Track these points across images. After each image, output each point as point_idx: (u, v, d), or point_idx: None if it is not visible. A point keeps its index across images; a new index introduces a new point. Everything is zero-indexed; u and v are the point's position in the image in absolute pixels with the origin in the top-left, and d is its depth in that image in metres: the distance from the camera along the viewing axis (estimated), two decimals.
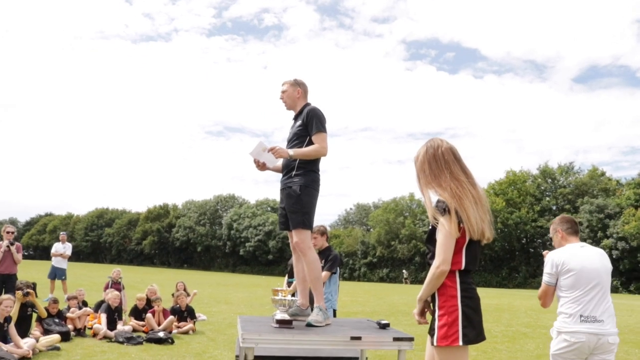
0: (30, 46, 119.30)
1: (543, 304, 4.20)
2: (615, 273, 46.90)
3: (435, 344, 2.81)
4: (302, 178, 4.19)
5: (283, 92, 4.46)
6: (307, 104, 4.42)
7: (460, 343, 2.74)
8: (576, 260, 3.99)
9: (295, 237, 4.19)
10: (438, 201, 2.91)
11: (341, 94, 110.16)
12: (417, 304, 3.03)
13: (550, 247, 4.43)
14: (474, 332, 2.79)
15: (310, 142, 4.20)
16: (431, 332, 2.87)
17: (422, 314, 3.04)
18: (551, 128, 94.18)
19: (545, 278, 4.13)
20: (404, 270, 60.64)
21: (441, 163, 2.96)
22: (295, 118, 4.44)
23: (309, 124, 4.22)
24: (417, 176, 3.08)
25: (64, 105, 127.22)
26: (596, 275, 3.95)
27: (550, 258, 4.10)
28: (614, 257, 45.63)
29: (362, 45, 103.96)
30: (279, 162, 4.42)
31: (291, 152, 4.14)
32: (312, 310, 4.18)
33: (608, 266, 4.07)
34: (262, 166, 4.29)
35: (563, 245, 4.19)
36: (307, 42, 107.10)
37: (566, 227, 4.24)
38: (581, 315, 3.89)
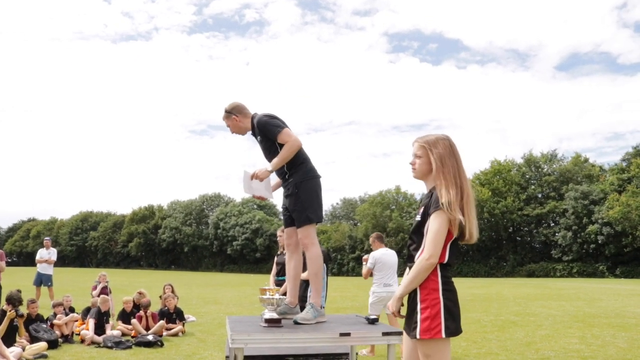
0: (6, 49, 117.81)
1: (365, 277, 8.14)
2: (601, 258, 47.54)
3: (418, 337, 2.85)
4: (295, 176, 4.25)
5: (228, 127, 4.48)
6: (253, 117, 4.40)
7: (443, 335, 2.81)
8: (383, 257, 7.90)
9: (300, 233, 4.24)
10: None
11: (325, 88, 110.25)
12: (394, 301, 3.02)
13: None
14: (455, 325, 2.87)
15: (281, 146, 4.20)
16: (412, 325, 2.90)
17: (399, 311, 3.04)
18: (535, 117, 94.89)
19: (369, 265, 7.93)
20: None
21: (458, 159, 3.01)
22: (254, 135, 4.45)
23: (267, 133, 4.24)
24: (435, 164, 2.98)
25: (43, 109, 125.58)
26: (391, 264, 7.90)
27: (372, 255, 7.97)
28: (599, 242, 46.25)
29: (344, 39, 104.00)
30: (275, 182, 4.49)
31: (269, 167, 4.17)
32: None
33: (396, 260, 8.01)
34: (262, 198, 4.37)
35: (377, 249, 8.03)
36: (289, 37, 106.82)
37: (379, 239, 8.14)
38: (384, 284, 7.80)
